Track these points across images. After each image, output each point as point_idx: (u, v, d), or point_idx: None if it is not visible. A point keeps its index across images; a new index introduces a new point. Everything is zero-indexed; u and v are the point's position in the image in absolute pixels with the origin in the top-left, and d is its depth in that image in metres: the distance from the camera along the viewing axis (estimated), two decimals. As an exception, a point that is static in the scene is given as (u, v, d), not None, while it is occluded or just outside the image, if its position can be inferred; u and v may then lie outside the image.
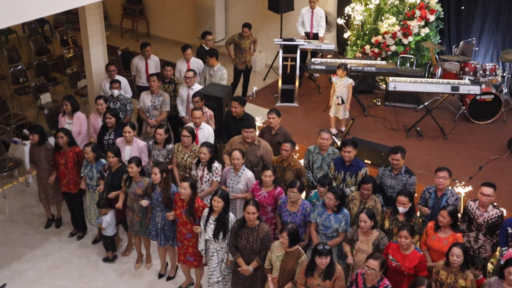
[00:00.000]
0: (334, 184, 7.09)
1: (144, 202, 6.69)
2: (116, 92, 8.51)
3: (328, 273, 5.55)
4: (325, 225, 6.31)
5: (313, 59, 10.45)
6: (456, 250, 5.55)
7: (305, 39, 10.88)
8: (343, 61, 9.80)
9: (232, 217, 6.25)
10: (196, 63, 9.67)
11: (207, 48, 9.91)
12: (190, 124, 7.75)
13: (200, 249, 6.39)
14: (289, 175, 7.04)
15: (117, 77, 9.03)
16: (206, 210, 6.25)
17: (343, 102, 9.17)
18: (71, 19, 14.36)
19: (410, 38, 10.69)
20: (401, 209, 6.26)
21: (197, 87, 8.78)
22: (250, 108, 9.21)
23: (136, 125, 8.92)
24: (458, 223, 6.25)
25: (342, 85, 9.14)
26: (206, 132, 7.78)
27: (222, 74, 9.35)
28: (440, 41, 11.17)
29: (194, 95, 8.16)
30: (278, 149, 7.58)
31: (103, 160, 7.24)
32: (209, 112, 8.17)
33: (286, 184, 6.78)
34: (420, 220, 6.48)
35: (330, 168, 7.19)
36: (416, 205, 6.71)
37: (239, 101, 7.97)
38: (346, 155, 6.97)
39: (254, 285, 6.24)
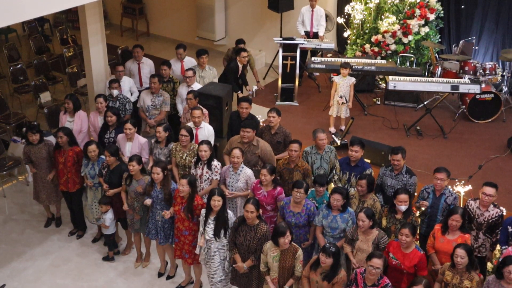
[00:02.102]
0: (339, 185, 7.10)
1: (148, 201, 6.69)
2: (115, 92, 8.50)
3: (330, 275, 5.56)
4: (332, 227, 6.29)
5: (313, 58, 10.46)
6: (460, 251, 5.52)
7: (304, 38, 10.88)
8: (343, 60, 9.79)
9: (231, 214, 6.26)
10: (190, 62, 9.65)
11: (240, 65, 9.74)
12: (189, 124, 7.73)
13: (197, 252, 6.40)
14: (297, 176, 6.97)
15: (124, 77, 9.03)
16: (203, 211, 6.26)
17: (347, 101, 9.18)
18: (71, 18, 14.34)
19: (410, 37, 10.69)
20: (402, 208, 6.24)
21: (196, 86, 8.78)
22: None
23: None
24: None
25: (345, 85, 9.15)
26: (206, 132, 7.76)
27: (214, 73, 9.34)
28: (440, 40, 11.17)
29: (188, 93, 8.15)
30: (278, 149, 7.57)
31: (103, 157, 7.26)
32: (204, 110, 8.14)
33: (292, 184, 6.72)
34: (419, 219, 6.48)
35: (336, 169, 7.18)
36: (413, 205, 6.71)
37: (249, 102, 7.95)
38: (353, 155, 6.96)
39: (250, 284, 6.24)
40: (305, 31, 11.09)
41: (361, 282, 5.53)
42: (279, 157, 7.46)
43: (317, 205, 6.59)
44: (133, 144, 7.56)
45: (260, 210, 6.20)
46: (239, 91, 9.80)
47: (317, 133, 7.23)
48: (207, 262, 6.38)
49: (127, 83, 9.09)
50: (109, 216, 7.16)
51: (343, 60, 9.80)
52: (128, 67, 9.64)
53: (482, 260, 6.54)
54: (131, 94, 9.08)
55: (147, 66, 9.61)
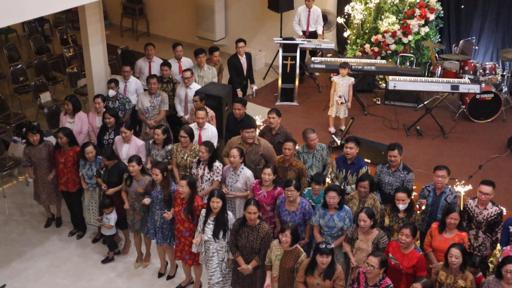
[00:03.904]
0: (336, 183, 7.12)
1: (147, 200, 6.70)
2: (111, 92, 8.48)
3: (329, 273, 5.56)
4: (330, 226, 6.30)
5: (312, 58, 10.46)
6: (455, 251, 5.53)
7: (303, 38, 10.88)
8: (343, 60, 9.79)
9: (230, 215, 6.26)
10: (187, 62, 9.65)
11: (240, 57, 9.75)
12: (193, 125, 7.73)
13: (194, 250, 6.40)
14: (291, 175, 7.00)
15: (131, 79, 9.02)
16: (203, 211, 6.25)
17: (346, 101, 9.18)
18: (71, 18, 14.34)
19: (410, 37, 10.68)
20: (401, 206, 6.27)
21: (195, 86, 8.77)
22: (250, 107, 9.19)
23: (137, 126, 8.92)
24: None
25: (344, 84, 9.15)
26: (210, 133, 7.75)
27: (213, 72, 9.33)
28: (440, 40, 11.16)
29: (195, 94, 8.13)
30: (279, 149, 7.57)
31: (99, 157, 7.26)
32: (210, 112, 8.12)
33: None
34: (420, 216, 6.49)
35: (332, 167, 7.20)
36: (415, 202, 6.72)
37: (242, 103, 7.94)
38: (348, 151, 6.98)
39: (253, 285, 6.24)
40: (301, 31, 11.08)
41: (363, 282, 5.54)
42: (280, 156, 7.47)
43: (313, 204, 6.60)
44: (130, 146, 7.56)
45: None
46: (239, 88, 9.77)
47: (307, 134, 7.25)
48: (206, 263, 6.38)
49: (133, 84, 9.07)
50: (113, 216, 7.17)
51: (342, 60, 9.80)
52: (139, 65, 9.63)
53: (484, 260, 6.54)
54: (137, 96, 9.03)
55: (157, 65, 9.51)
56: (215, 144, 7.72)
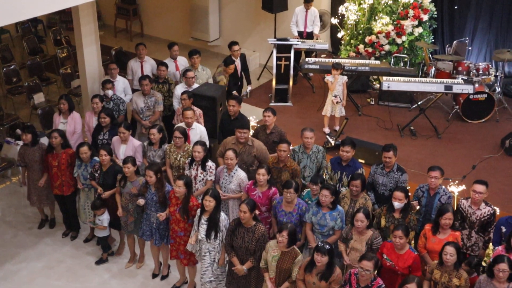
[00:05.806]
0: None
1: (141, 201, 6.68)
2: (110, 93, 8.48)
3: (326, 274, 5.55)
4: (321, 224, 6.31)
5: (306, 59, 10.47)
6: (449, 249, 5.55)
7: (298, 38, 10.90)
8: (336, 60, 9.81)
9: (223, 216, 6.24)
10: (183, 61, 9.65)
11: (235, 59, 9.72)
12: (182, 124, 7.73)
13: (189, 249, 6.39)
14: (285, 176, 7.00)
15: (118, 78, 9.00)
16: (199, 211, 6.26)
17: (341, 100, 9.21)
18: (64, 19, 14.30)
19: (404, 38, 10.71)
20: (396, 204, 6.27)
21: (195, 86, 8.76)
22: (244, 108, 9.19)
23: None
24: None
25: (337, 84, 9.17)
26: (198, 132, 7.75)
27: (208, 73, 9.31)
28: (433, 40, 11.21)
29: (183, 93, 8.14)
30: (273, 148, 7.58)
31: (96, 158, 7.24)
32: (198, 110, 8.12)
33: (282, 184, 6.75)
34: (415, 217, 6.51)
35: (327, 168, 7.20)
36: (411, 203, 6.72)
37: (237, 100, 7.93)
38: (344, 155, 6.98)
39: (248, 286, 6.23)
40: (298, 31, 11.10)
41: (354, 283, 5.53)
42: (274, 156, 7.47)
43: (311, 204, 6.61)
44: (127, 147, 7.55)
45: (256, 211, 6.19)
46: (234, 90, 9.77)
47: (304, 131, 7.27)
48: (199, 261, 6.40)
49: (121, 83, 9.06)
50: (106, 217, 7.15)
51: (336, 60, 9.82)
52: (131, 65, 9.61)
53: (480, 262, 6.55)
54: (125, 95, 9.04)
55: (149, 65, 9.54)
56: (207, 143, 7.71)
